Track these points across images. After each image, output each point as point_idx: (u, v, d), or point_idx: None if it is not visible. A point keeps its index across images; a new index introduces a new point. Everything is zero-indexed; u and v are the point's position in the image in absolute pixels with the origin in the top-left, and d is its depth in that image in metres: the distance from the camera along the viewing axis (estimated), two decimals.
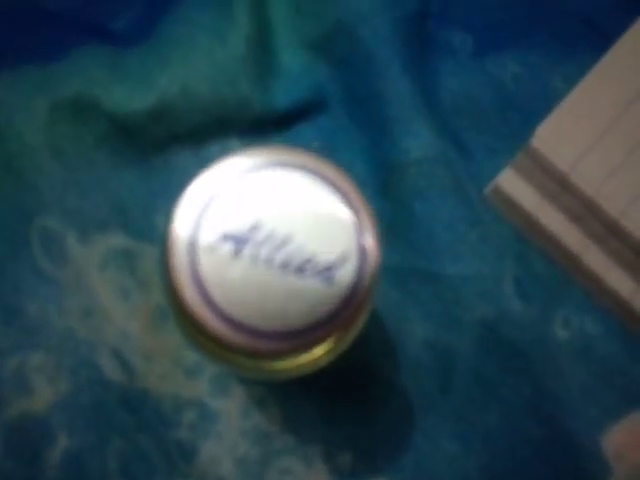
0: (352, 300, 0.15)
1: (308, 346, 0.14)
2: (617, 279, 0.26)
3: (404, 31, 0.27)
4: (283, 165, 0.15)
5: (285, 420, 0.25)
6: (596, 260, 0.26)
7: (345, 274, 0.15)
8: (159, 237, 0.26)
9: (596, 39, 0.28)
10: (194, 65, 0.26)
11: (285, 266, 0.15)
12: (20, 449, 0.25)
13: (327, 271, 0.15)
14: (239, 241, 0.15)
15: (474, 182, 0.27)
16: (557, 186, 0.26)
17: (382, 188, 0.27)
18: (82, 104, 0.26)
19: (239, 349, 0.14)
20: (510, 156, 0.26)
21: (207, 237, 0.15)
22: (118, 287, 0.26)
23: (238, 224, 0.15)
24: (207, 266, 0.15)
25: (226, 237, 0.15)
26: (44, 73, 0.26)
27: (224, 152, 0.26)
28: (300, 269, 0.15)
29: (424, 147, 0.26)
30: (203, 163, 0.17)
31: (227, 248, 0.15)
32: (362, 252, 0.15)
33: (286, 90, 0.27)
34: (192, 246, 0.15)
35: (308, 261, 0.15)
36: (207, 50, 0.26)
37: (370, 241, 0.15)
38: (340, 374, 0.26)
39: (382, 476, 0.25)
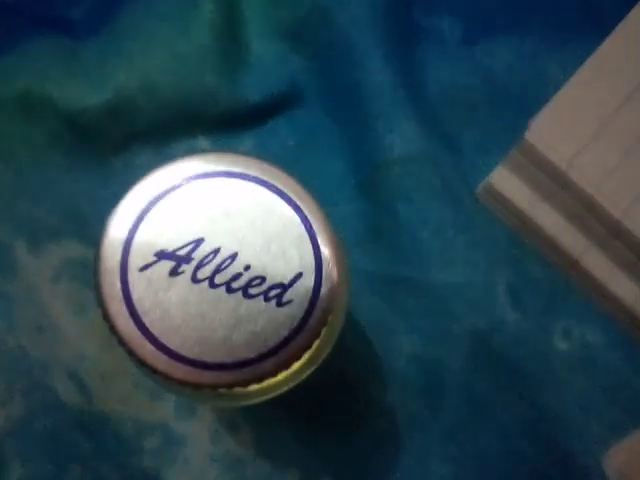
0: (306, 325, 0.13)
1: (258, 378, 0.13)
2: (620, 284, 0.25)
3: (386, 17, 0.26)
4: (226, 173, 0.14)
5: (258, 444, 0.25)
6: (597, 264, 0.25)
7: (298, 294, 0.14)
8: None
9: (594, 25, 0.27)
10: (154, 57, 0.25)
11: (230, 286, 0.13)
12: None
13: (278, 292, 0.13)
14: (177, 260, 0.13)
15: (464, 181, 0.26)
16: (554, 184, 0.25)
17: (363, 189, 0.26)
18: (32, 101, 0.25)
19: (180, 382, 0.13)
20: (503, 152, 0.26)
21: (140, 256, 0.14)
22: (73, 301, 0.25)
23: (176, 241, 0.14)
24: (140, 290, 0.13)
25: (162, 256, 0.13)
26: None
27: (190, 150, 0.26)
28: (247, 290, 0.13)
29: (409, 144, 0.26)
30: (167, 163, 0.16)
31: (163, 268, 0.13)
32: (318, 269, 0.13)
33: (257, 83, 0.26)
34: (123, 267, 0.13)
35: (256, 281, 0.13)
36: (168, 40, 0.25)
37: (327, 257, 0.14)
38: (319, 391, 0.24)
39: None
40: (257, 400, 0.16)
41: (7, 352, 0.25)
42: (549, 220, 0.25)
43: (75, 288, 0.25)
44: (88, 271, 0.24)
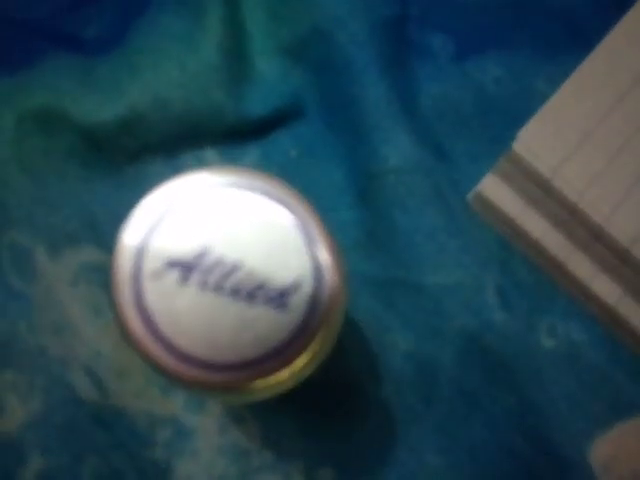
0: (306, 329, 0.14)
1: (262, 377, 0.14)
2: (603, 285, 0.26)
3: (382, 35, 0.27)
4: (232, 186, 0.15)
5: (264, 436, 0.25)
6: (581, 266, 0.26)
7: (299, 300, 0.14)
8: None
9: (579, 40, 0.27)
10: (165, 74, 0.26)
11: (235, 293, 0.14)
12: None
13: (279, 298, 0.14)
14: (186, 268, 0.14)
15: (455, 189, 0.27)
16: (540, 191, 0.25)
17: (361, 197, 0.27)
18: (50, 116, 0.26)
19: (190, 382, 0.14)
20: (492, 161, 0.26)
21: (152, 264, 0.14)
22: (90, 303, 0.25)
23: (185, 250, 0.14)
24: (152, 295, 0.14)
25: (172, 264, 0.14)
26: (11, 84, 0.26)
27: (198, 162, 0.27)
28: (251, 296, 0.14)
29: (403, 154, 0.26)
30: (177, 173, 0.16)
31: (173, 275, 0.14)
32: (318, 276, 0.14)
33: (261, 98, 0.27)
34: (136, 275, 0.14)
35: (260, 287, 0.14)
36: (178, 58, 0.26)
37: (326, 264, 0.14)
38: (320, 387, 0.25)
39: None
40: (261, 397, 0.17)
41: (28, 351, 0.25)
42: (536, 225, 0.26)
43: (92, 291, 0.25)
44: (104, 275, 0.26)
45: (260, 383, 0.14)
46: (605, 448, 0.25)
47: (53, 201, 0.26)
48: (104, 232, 0.26)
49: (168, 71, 0.26)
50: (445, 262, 0.26)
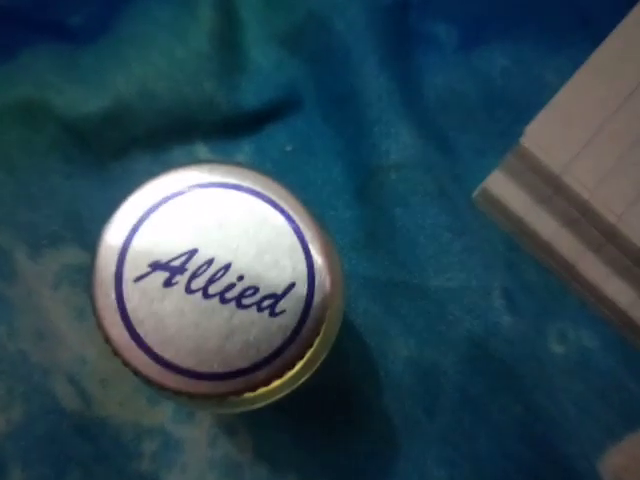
0: (299, 335, 0.13)
1: (251, 387, 0.13)
2: (615, 288, 0.25)
3: (382, 23, 0.26)
4: (221, 184, 0.14)
5: (257, 448, 0.24)
6: (592, 268, 0.25)
7: (292, 304, 0.14)
8: None
9: (589, 30, 0.27)
10: (153, 64, 0.25)
11: (224, 297, 0.13)
12: None
13: (271, 301, 0.13)
14: (172, 270, 0.13)
15: (460, 186, 0.26)
16: (549, 189, 0.25)
17: (360, 194, 0.26)
18: (32, 108, 0.25)
19: (176, 392, 0.13)
20: (499, 157, 0.25)
21: (135, 266, 0.13)
22: (73, 307, 0.25)
23: (171, 251, 0.14)
24: (135, 300, 0.13)
25: (157, 266, 0.13)
26: None
27: (188, 156, 0.26)
28: (241, 300, 0.13)
29: (405, 149, 0.25)
30: (165, 170, 0.16)
31: (158, 279, 0.13)
32: (312, 278, 0.13)
33: (255, 89, 0.26)
34: (118, 277, 0.13)
35: (250, 291, 0.13)
36: (166, 47, 0.25)
37: (321, 266, 0.13)
38: (316, 396, 0.25)
39: None
40: (252, 407, 0.16)
41: (7, 357, 0.24)
42: (545, 225, 0.25)
43: (75, 293, 0.25)
44: (87, 277, 0.24)
45: (251, 393, 0.14)
46: (616, 459, 0.25)
47: (34, 199, 0.25)
48: (88, 232, 0.25)
49: (156, 61, 0.25)
50: (449, 263, 0.25)
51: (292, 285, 0.13)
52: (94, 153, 0.25)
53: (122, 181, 0.25)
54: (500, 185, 0.25)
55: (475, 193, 0.26)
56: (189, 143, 0.26)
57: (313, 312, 0.13)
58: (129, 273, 0.14)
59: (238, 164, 0.14)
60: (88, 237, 0.25)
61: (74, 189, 0.25)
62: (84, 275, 0.25)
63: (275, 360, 0.13)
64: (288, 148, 0.26)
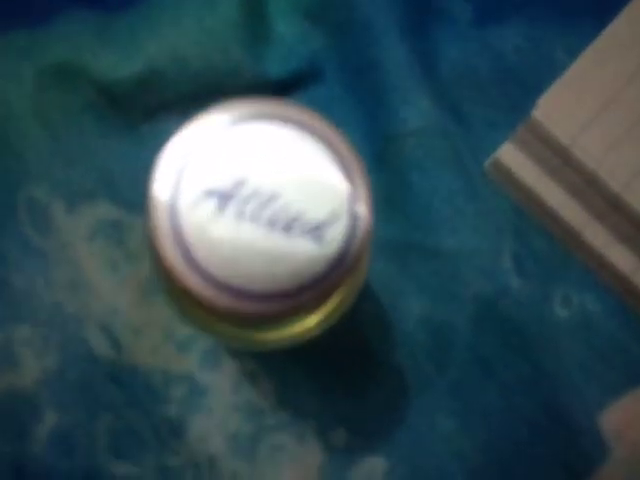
0: (342, 262, 0.14)
1: (295, 310, 0.14)
2: (618, 255, 0.26)
3: None
4: (270, 118, 0.14)
5: (278, 395, 0.25)
6: (597, 236, 0.26)
7: (335, 234, 0.14)
8: None
9: (599, 10, 0.27)
10: (184, 31, 0.25)
11: (272, 224, 0.14)
12: (6, 426, 0.25)
13: (316, 230, 0.14)
14: (222, 197, 0.14)
15: (473, 155, 0.27)
16: (558, 159, 0.25)
17: (379, 159, 0.26)
18: (69, 71, 0.25)
19: (224, 312, 0.14)
20: (509, 130, 0.26)
21: (188, 194, 0.14)
22: (106, 259, 0.25)
23: (221, 180, 0.14)
24: (189, 225, 0.14)
25: (208, 193, 0.14)
26: (30, 39, 0.26)
27: None
28: (287, 227, 0.14)
29: (422, 117, 0.26)
30: (218, 101, 0.16)
31: (210, 205, 0.14)
32: (353, 213, 0.14)
33: (280, 58, 0.26)
34: (173, 205, 0.14)
35: (296, 219, 0.14)
36: (197, 15, 0.26)
37: (362, 203, 0.14)
38: (334, 350, 0.25)
39: (376, 453, 0.25)
40: (290, 340, 0.17)
41: (43, 307, 0.25)
42: (553, 194, 0.26)
43: (108, 247, 0.25)
44: (120, 231, 0.26)
45: (292, 320, 0.14)
46: (617, 415, 0.26)
47: (70, 156, 0.26)
48: (120, 189, 0.25)
49: (186, 28, 0.25)
50: (462, 226, 0.26)
51: (336, 216, 0.14)
52: (126, 115, 0.26)
53: (152, 142, 0.26)
54: (511, 156, 0.26)
55: (487, 163, 0.26)
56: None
57: (353, 246, 0.14)
58: (183, 200, 0.14)
59: (292, 103, 0.14)
60: (120, 194, 0.25)
61: (107, 148, 0.25)
62: (116, 230, 0.25)
63: (319, 285, 0.14)
64: None
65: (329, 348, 0.25)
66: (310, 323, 0.16)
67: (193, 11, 0.26)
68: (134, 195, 0.25)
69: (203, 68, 0.26)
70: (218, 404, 0.25)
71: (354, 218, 0.14)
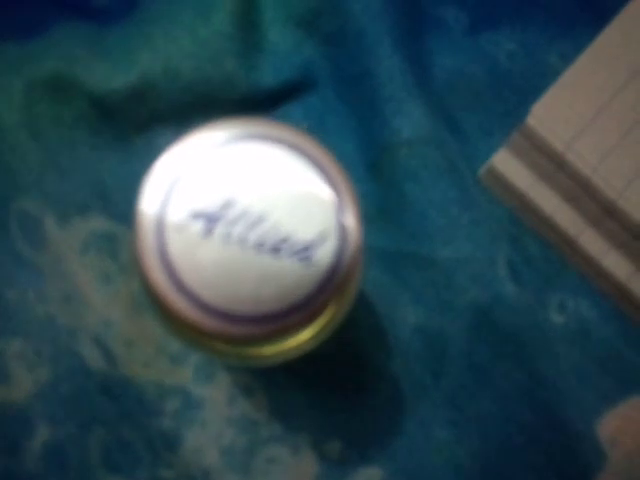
0: (331, 281, 0.14)
1: (284, 332, 0.14)
2: (614, 262, 0.26)
3: (396, 6, 0.27)
4: (259, 138, 0.14)
5: (272, 407, 0.25)
6: (592, 242, 0.26)
7: (324, 254, 0.14)
8: None
9: (593, 16, 0.27)
10: (177, 42, 0.25)
11: (259, 246, 0.14)
12: None
13: (304, 251, 0.14)
14: (210, 219, 0.14)
15: (468, 163, 0.27)
16: (552, 166, 0.25)
17: (372, 169, 0.26)
18: (61, 83, 0.25)
19: (211, 334, 0.14)
20: (505, 136, 0.26)
21: (175, 216, 0.14)
22: (99, 272, 0.25)
23: (209, 201, 0.14)
24: (176, 247, 0.14)
25: (196, 215, 0.14)
26: (21, 51, 0.25)
27: None
28: (276, 249, 0.14)
29: (416, 127, 0.26)
30: (208, 121, 0.16)
31: (197, 227, 0.14)
32: (342, 232, 0.14)
33: (273, 68, 0.26)
34: (160, 226, 0.14)
35: (284, 240, 0.14)
36: (190, 27, 0.26)
37: (351, 220, 0.14)
38: (329, 360, 0.25)
39: (372, 464, 0.25)
40: (280, 357, 0.17)
41: (36, 320, 0.25)
42: (547, 201, 0.26)
43: (101, 259, 0.25)
44: (113, 244, 0.25)
45: (281, 339, 0.14)
46: (613, 422, 0.25)
47: (62, 169, 0.25)
48: (113, 201, 0.25)
49: (180, 39, 0.25)
50: (456, 235, 0.26)
51: (325, 236, 0.14)
52: (119, 127, 0.26)
53: (145, 154, 0.26)
54: (505, 163, 0.26)
55: (481, 170, 0.27)
56: (210, 119, 0.25)
57: (343, 264, 0.14)
58: (170, 221, 0.14)
59: (277, 121, 0.14)
60: (113, 206, 0.25)
61: (100, 160, 0.25)
62: (109, 242, 0.25)
63: (307, 306, 0.14)
64: (303, 125, 0.26)
65: (323, 358, 0.25)
66: (302, 339, 0.16)
67: (186, 23, 0.26)
68: (127, 207, 0.25)
69: (196, 79, 0.26)
70: (212, 417, 0.25)
71: (343, 237, 0.14)
